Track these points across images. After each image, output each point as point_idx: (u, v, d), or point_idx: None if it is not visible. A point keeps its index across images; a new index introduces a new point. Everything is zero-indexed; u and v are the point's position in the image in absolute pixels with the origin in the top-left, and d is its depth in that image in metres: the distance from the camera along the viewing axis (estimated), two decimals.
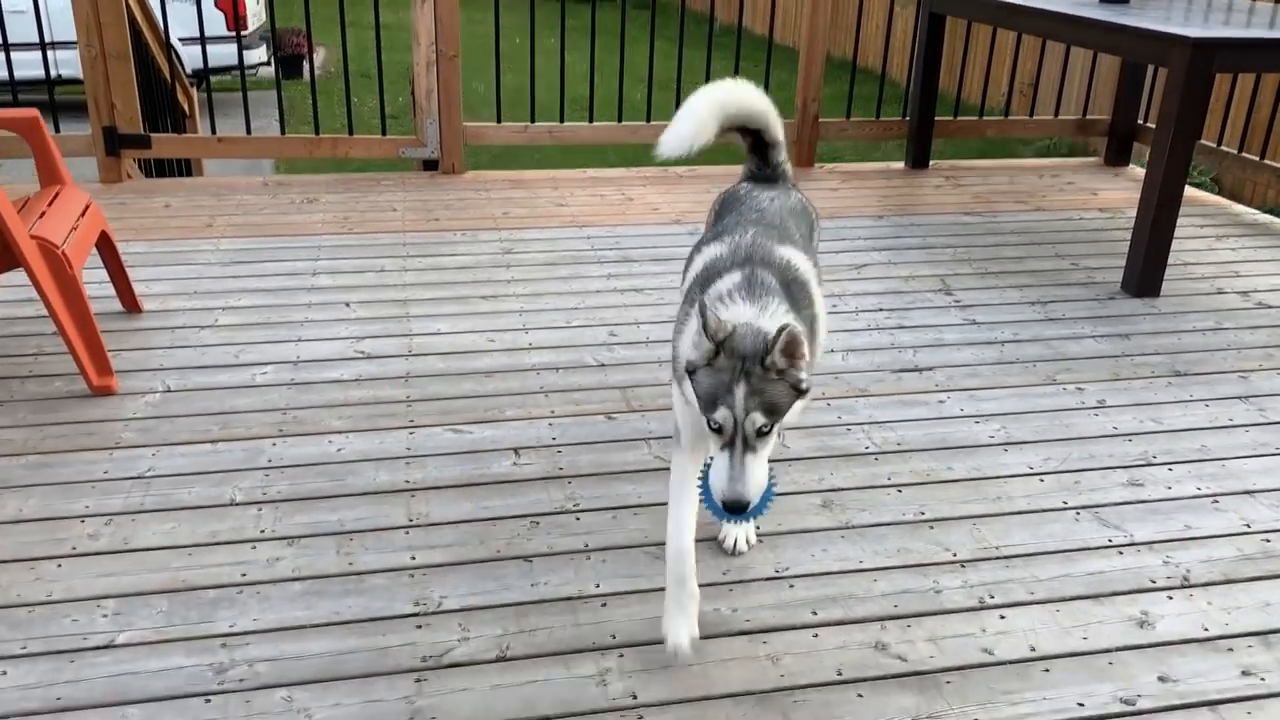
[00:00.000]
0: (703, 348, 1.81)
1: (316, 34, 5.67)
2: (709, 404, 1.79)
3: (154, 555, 2.39)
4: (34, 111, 3.43)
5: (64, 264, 3.00)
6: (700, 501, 1.93)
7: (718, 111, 2.38)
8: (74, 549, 2.41)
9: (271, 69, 12.93)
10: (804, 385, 1.83)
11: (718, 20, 5.78)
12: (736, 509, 1.79)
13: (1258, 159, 5.27)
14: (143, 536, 2.46)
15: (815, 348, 2.08)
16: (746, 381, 1.76)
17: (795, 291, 2.02)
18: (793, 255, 2.12)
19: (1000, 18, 5.04)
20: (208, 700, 1.98)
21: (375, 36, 5.31)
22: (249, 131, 5.40)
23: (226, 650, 2.11)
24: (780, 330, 1.75)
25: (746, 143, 2.57)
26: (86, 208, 3.36)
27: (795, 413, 1.88)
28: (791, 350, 1.78)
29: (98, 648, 2.11)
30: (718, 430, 1.79)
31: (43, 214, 3.15)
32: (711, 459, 1.85)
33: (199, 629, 2.16)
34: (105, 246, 3.54)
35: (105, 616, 2.19)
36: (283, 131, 5.67)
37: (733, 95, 2.42)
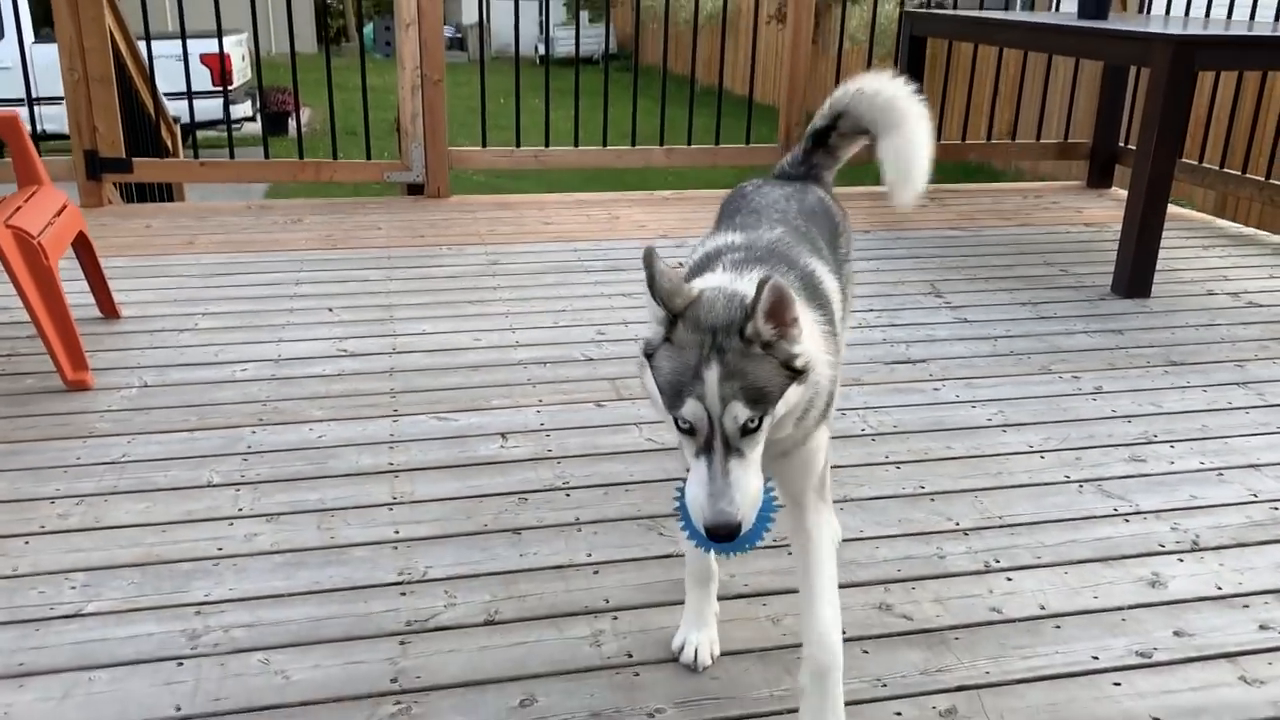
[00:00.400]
0: (657, 317, 1.42)
1: (303, 96, 5.69)
2: (673, 396, 1.38)
3: (126, 532, 2.29)
4: (14, 112, 3.39)
5: (39, 254, 2.94)
6: (681, 531, 1.49)
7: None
8: (42, 528, 2.30)
9: (257, 125, 13.07)
10: (800, 362, 1.40)
11: (699, 81, 5.79)
12: (723, 534, 1.35)
13: (1239, 173, 5.30)
14: (115, 515, 2.36)
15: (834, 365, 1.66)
16: (720, 360, 1.35)
17: (808, 295, 1.62)
18: (811, 261, 1.72)
19: (982, 34, 5.10)
20: (180, 664, 1.87)
21: (362, 94, 5.30)
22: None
23: (200, 618, 2.00)
24: (762, 284, 1.34)
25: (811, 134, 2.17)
26: (64, 207, 3.30)
27: (793, 404, 1.43)
28: (779, 311, 1.37)
29: (64, 617, 2.00)
30: (688, 431, 1.38)
31: (19, 208, 3.10)
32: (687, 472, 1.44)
33: (171, 599, 2.06)
34: (83, 250, 3.48)
35: (73, 588, 2.09)
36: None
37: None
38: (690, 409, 1.36)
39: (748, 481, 1.37)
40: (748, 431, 1.36)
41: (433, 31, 5.08)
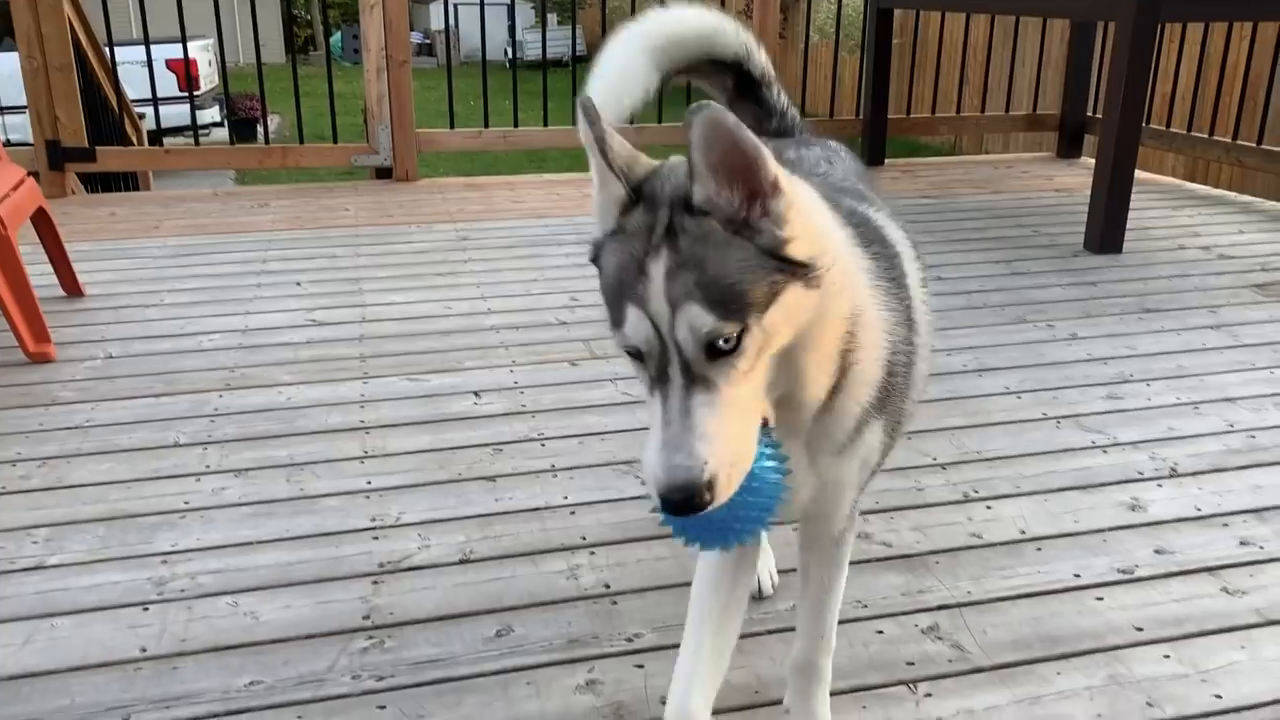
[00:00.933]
0: (611, 199, 1.05)
1: (271, 103, 5.65)
2: (614, 304, 1.03)
3: (89, 490, 2.24)
4: None
5: None
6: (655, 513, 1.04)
7: (647, 47, 1.54)
8: (3, 488, 2.25)
9: (225, 131, 12.96)
10: (796, 248, 1.00)
11: (668, 82, 5.76)
12: (683, 502, 0.96)
13: (1207, 136, 5.33)
14: (78, 475, 2.30)
15: (917, 377, 1.29)
16: (670, 247, 0.99)
17: (879, 257, 1.22)
18: (889, 226, 1.34)
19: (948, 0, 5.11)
20: (145, 609, 1.83)
21: (328, 79, 5.26)
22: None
23: (167, 566, 1.96)
24: (692, 114, 0.95)
25: (726, 88, 1.72)
26: (22, 181, 3.24)
27: (800, 318, 1.03)
28: (733, 159, 0.98)
29: (25, 569, 1.95)
30: (636, 356, 1.03)
31: None
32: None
33: (136, 550, 2.01)
34: (44, 227, 3.41)
35: (35, 543, 2.03)
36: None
37: (664, 24, 1.57)
38: (632, 321, 0.99)
39: (720, 424, 0.97)
40: (719, 353, 0.98)
41: (398, 11, 5.04)
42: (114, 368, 2.92)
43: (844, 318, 1.10)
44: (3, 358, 2.97)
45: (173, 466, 2.34)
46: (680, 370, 0.98)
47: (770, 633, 1.75)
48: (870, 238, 1.23)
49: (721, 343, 0.97)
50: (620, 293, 1.01)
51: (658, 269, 0.98)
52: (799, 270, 1.01)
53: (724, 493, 0.98)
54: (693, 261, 0.98)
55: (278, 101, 6.23)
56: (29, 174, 3.36)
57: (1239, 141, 5.09)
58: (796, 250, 1.01)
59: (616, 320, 1.02)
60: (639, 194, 1.04)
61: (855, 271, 1.14)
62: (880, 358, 1.17)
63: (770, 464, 1.05)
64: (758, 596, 1.83)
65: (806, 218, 1.04)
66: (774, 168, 1.00)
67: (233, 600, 1.85)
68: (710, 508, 0.98)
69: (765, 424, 1.06)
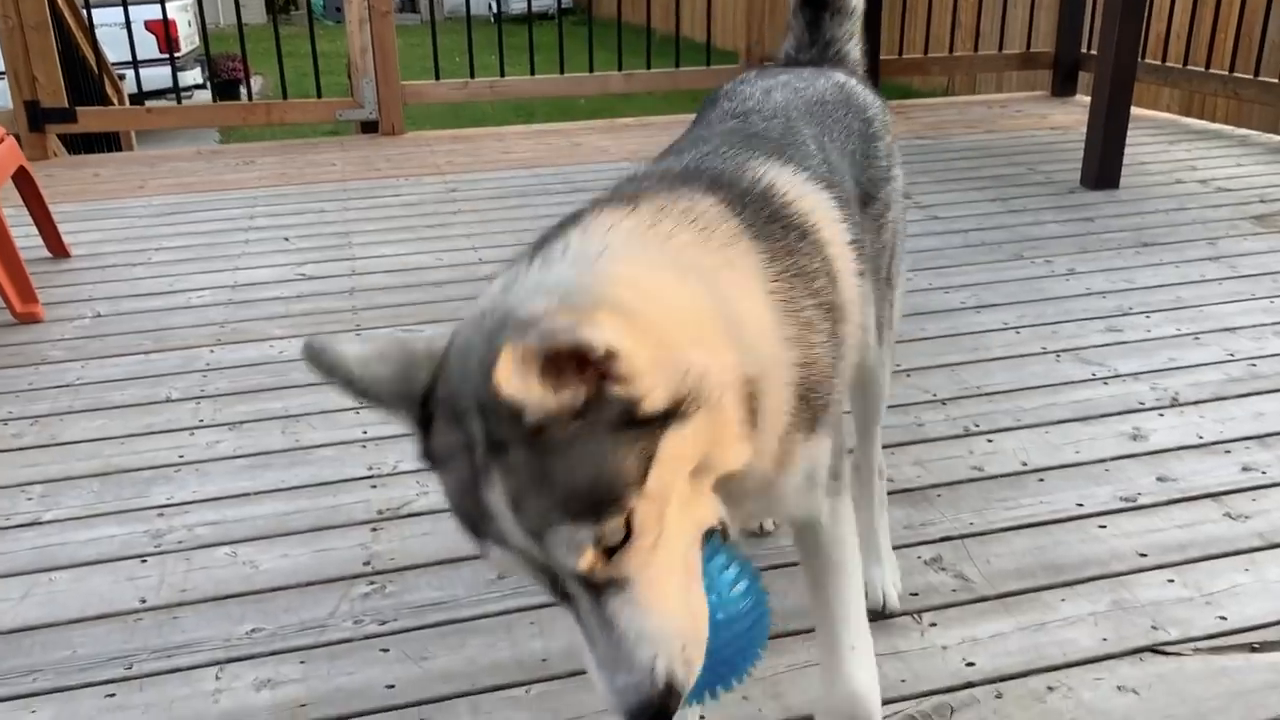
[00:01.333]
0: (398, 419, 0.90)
1: (253, 63, 5.56)
2: (469, 535, 0.86)
3: (83, 447, 2.22)
4: None
5: None
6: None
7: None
8: None
9: (208, 92, 12.79)
10: (644, 405, 0.80)
11: (655, 31, 5.66)
12: (655, 716, 0.82)
13: (1203, 69, 5.26)
14: (70, 433, 2.28)
15: (841, 352, 1.09)
16: (503, 470, 0.80)
17: (761, 228, 1.03)
18: (778, 177, 1.11)
19: None
20: (143, 561, 1.81)
21: (309, 34, 5.17)
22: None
23: (164, 519, 1.94)
24: (511, 334, 0.78)
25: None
26: (1, 140, 3.18)
27: (691, 452, 0.85)
28: (556, 361, 0.77)
29: (21, 525, 1.93)
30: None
31: None
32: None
33: (132, 504, 1.99)
34: (26, 186, 3.36)
35: (30, 500, 2.01)
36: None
37: None
38: (499, 559, 0.84)
39: (650, 614, 0.82)
40: (612, 548, 0.81)
41: None
42: (103, 326, 2.88)
43: (739, 394, 0.90)
44: None
45: (166, 421, 2.32)
46: (579, 584, 0.82)
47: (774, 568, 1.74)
48: (771, 217, 1.04)
49: (609, 540, 0.80)
50: (471, 527, 0.85)
51: (499, 500, 0.80)
52: (668, 416, 0.82)
53: (689, 679, 0.84)
54: (537, 480, 0.79)
55: (260, 62, 6.14)
56: (8, 134, 3.30)
57: (1236, 74, 5.03)
58: (656, 401, 0.81)
59: (480, 551, 0.86)
60: (430, 406, 0.85)
61: (742, 322, 0.93)
62: (790, 385, 0.99)
63: (738, 586, 0.90)
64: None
65: (658, 350, 0.81)
66: (604, 336, 0.77)
67: (231, 550, 1.83)
68: (685, 694, 0.84)
69: (714, 532, 0.90)
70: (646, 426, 0.80)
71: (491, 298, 0.89)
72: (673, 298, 0.89)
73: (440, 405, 0.84)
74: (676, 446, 0.82)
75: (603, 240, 0.93)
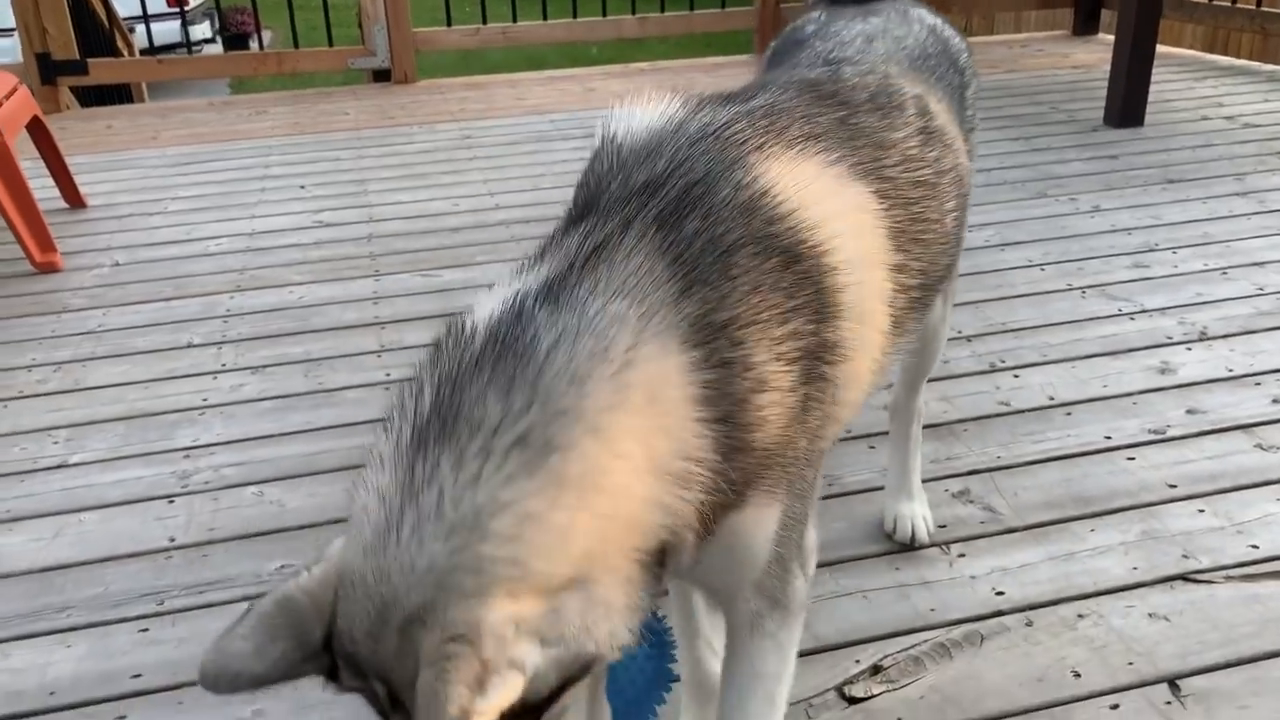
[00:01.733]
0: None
1: (263, 16, 5.50)
2: None
3: (107, 391, 2.23)
4: None
5: None
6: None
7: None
8: (20, 393, 2.23)
9: (218, 46, 12.69)
10: (533, 662, 0.74)
11: None
12: None
13: (1229, 3, 5.15)
14: (94, 378, 2.29)
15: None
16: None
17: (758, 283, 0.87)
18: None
19: None
20: (170, 502, 1.82)
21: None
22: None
23: (190, 460, 1.95)
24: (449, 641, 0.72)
25: None
26: (14, 89, 3.17)
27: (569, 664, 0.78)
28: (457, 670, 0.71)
29: (49, 468, 1.94)
30: None
31: None
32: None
33: (158, 446, 2.00)
34: (41, 136, 3.35)
35: (56, 444, 2.02)
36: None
37: None
38: None
39: None
40: None
41: None
42: (122, 274, 2.88)
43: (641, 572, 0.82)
44: (10, 269, 2.94)
45: (189, 366, 2.32)
46: None
47: None
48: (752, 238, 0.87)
49: None
50: None
51: None
52: (561, 689, 0.78)
53: None
54: None
55: (271, 16, 6.08)
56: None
57: (1264, 8, 4.92)
58: (545, 690, 0.77)
59: None
60: (330, 652, 0.79)
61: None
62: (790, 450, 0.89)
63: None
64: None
65: (547, 651, 0.75)
66: (500, 695, 0.71)
67: (258, 490, 1.84)
68: None
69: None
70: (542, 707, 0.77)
71: (376, 555, 0.76)
72: (574, 526, 0.77)
73: (341, 656, 0.79)
74: (568, 695, 0.79)
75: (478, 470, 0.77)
